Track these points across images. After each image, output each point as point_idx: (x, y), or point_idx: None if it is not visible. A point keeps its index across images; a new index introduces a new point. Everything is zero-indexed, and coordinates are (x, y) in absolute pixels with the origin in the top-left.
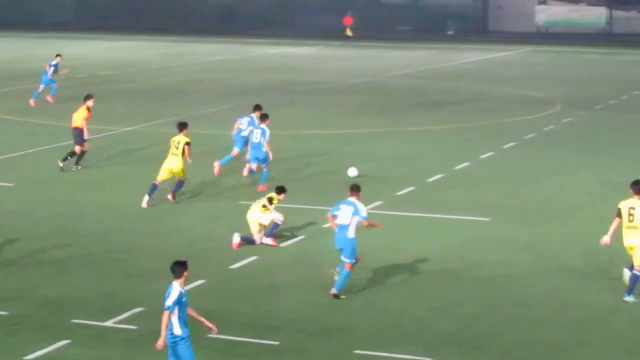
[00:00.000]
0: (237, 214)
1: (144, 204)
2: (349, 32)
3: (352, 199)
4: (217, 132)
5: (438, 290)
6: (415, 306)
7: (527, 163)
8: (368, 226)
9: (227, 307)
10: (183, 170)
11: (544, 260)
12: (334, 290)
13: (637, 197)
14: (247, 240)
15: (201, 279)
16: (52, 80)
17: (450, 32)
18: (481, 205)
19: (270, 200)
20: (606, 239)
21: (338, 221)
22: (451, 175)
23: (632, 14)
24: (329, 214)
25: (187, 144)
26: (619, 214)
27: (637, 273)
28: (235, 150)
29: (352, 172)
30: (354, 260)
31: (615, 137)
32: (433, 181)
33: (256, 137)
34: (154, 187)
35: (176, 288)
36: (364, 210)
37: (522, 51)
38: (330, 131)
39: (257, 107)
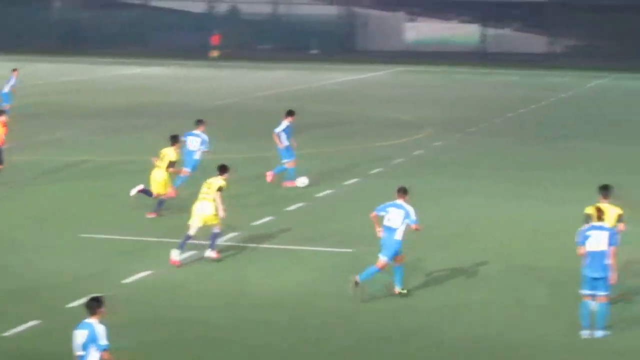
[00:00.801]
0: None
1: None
2: (214, 54)
3: (401, 202)
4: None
5: (299, 326)
6: (273, 344)
7: (394, 190)
8: (416, 229)
9: None
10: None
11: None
12: (356, 278)
13: (605, 200)
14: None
15: (34, 319)
16: None
17: (313, 51)
18: (344, 235)
19: (220, 188)
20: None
21: (387, 223)
22: (313, 203)
23: (507, 31)
24: (374, 213)
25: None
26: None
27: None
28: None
29: (302, 181)
30: (390, 260)
31: (489, 161)
32: (293, 210)
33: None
34: (160, 202)
35: (99, 325)
36: (413, 213)
37: (391, 71)
38: None
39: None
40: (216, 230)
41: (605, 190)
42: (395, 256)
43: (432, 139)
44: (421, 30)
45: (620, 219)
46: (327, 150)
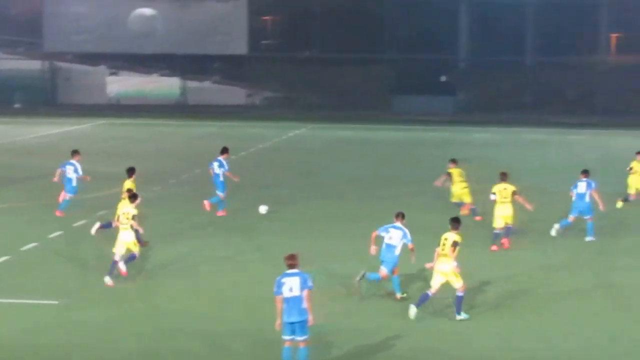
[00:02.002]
0: None
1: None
2: None
3: (399, 224)
4: None
5: None
6: None
7: (99, 240)
8: (411, 249)
9: None
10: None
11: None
12: (364, 272)
13: (453, 231)
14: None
15: None
16: None
17: (17, 105)
18: (49, 287)
19: (134, 217)
20: (429, 264)
21: (389, 241)
22: (18, 257)
23: (206, 84)
24: (375, 233)
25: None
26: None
27: (460, 294)
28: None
29: (262, 209)
30: (389, 272)
31: (189, 212)
32: None
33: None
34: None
35: None
36: (409, 234)
37: (94, 124)
38: None
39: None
40: (135, 252)
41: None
42: (393, 268)
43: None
44: (123, 84)
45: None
46: (31, 204)
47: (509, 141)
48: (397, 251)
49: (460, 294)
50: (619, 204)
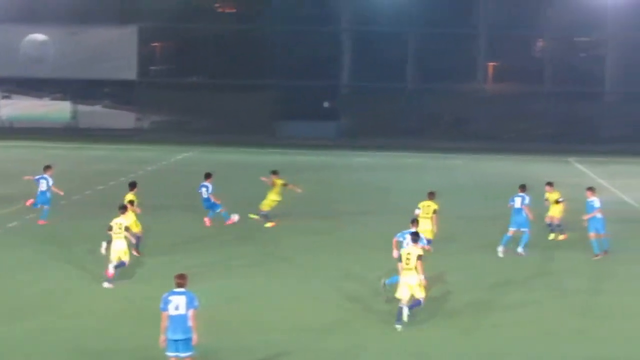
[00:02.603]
0: None
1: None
2: None
3: (414, 229)
4: None
5: None
6: None
7: None
8: (428, 250)
9: None
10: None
11: None
12: (384, 280)
13: (414, 245)
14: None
15: None
16: None
17: None
18: None
19: (127, 228)
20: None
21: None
22: None
23: (97, 108)
24: (395, 239)
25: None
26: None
27: (422, 301)
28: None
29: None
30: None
31: (80, 231)
32: None
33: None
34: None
35: None
36: (424, 238)
37: None
38: None
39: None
40: (125, 260)
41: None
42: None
43: (25, 211)
44: (15, 107)
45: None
46: None
47: (388, 165)
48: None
49: (420, 302)
50: (552, 237)
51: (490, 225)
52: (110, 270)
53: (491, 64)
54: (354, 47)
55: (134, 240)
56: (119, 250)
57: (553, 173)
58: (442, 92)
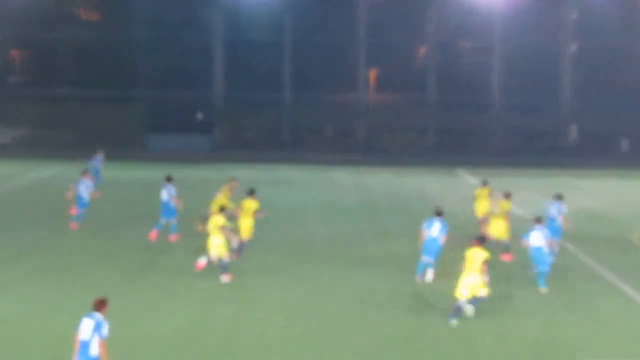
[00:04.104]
0: None
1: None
2: None
3: (440, 218)
4: None
5: None
6: None
7: None
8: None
9: None
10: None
11: None
12: (417, 277)
13: (479, 247)
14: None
15: None
16: None
17: None
18: None
19: (223, 225)
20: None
21: (433, 234)
22: None
23: None
24: (422, 229)
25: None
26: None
27: (484, 297)
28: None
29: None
30: (433, 259)
31: None
32: None
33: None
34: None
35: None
36: (446, 227)
37: None
38: None
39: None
40: (226, 259)
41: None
42: (436, 255)
43: None
44: None
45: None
46: None
47: (266, 180)
48: (439, 242)
49: (481, 300)
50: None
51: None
52: (202, 262)
53: (372, 72)
54: (228, 56)
55: (234, 240)
56: (217, 246)
57: (443, 186)
58: (322, 102)
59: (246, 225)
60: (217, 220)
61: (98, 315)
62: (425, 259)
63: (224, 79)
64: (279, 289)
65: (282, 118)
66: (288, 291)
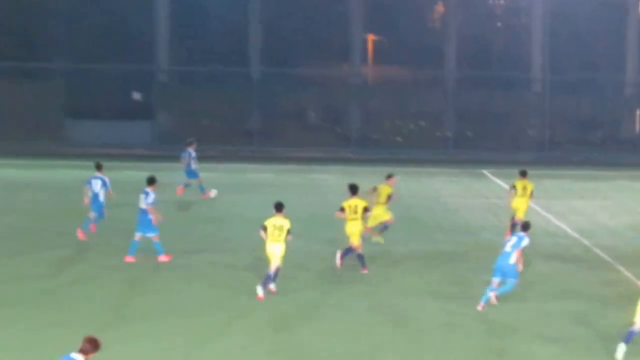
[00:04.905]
0: None
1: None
2: None
3: (522, 234)
4: None
5: None
6: None
7: None
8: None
9: None
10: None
11: None
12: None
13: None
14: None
15: None
16: None
17: None
18: None
19: (288, 231)
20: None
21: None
22: None
23: None
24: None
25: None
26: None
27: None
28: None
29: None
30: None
31: None
32: None
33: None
34: None
35: None
36: (525, 241)
37: None
38: None
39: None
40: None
41: None
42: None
43: None
44: None
45: None
46: None
47: (227, 182)
48: (512, 259)
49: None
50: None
51: None
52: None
53: (371, 39)
54: (174, 17)
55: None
56: (277, 254)
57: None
58: (302, 78)
59: None
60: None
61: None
62: (495, 281)
63: (170, 47)
64: None
65: (248, 100)
66: None
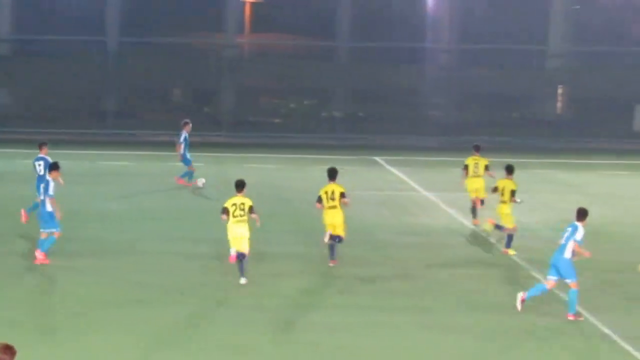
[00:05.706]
0: None
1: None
2: None
3: (577, 223)
4: None
5: None
6: None
7: None
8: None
9: None
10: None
11: None
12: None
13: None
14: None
15: None
16: None
17: None
18: None
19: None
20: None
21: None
22: None
23: None
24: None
25: None
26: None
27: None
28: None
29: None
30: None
31: None
32: None
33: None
34: None
35: None
36: (580, 234)
37: None
38: None
39: None
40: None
41: None
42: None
43: None
44: None
45: None
46: None
47: (72, 171)
48: (567, 254)
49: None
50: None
51: None
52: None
53: (249, 1)
54: None
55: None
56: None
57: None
58: (166, 49)
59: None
60: None
61: None
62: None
63: (12, 12)
64: None
65: (103, 74)
66: None
